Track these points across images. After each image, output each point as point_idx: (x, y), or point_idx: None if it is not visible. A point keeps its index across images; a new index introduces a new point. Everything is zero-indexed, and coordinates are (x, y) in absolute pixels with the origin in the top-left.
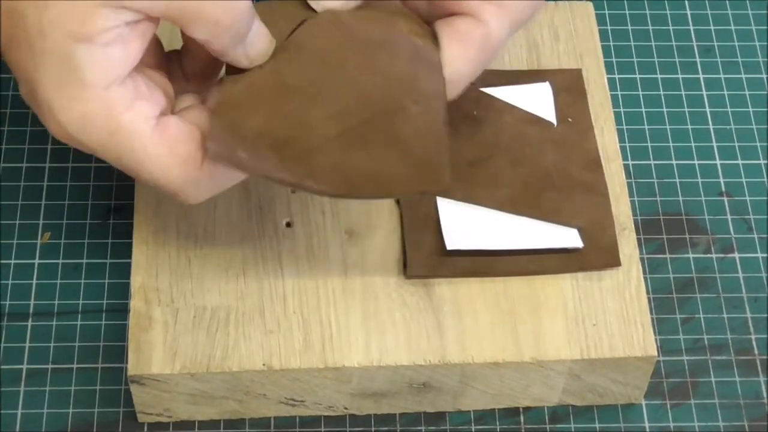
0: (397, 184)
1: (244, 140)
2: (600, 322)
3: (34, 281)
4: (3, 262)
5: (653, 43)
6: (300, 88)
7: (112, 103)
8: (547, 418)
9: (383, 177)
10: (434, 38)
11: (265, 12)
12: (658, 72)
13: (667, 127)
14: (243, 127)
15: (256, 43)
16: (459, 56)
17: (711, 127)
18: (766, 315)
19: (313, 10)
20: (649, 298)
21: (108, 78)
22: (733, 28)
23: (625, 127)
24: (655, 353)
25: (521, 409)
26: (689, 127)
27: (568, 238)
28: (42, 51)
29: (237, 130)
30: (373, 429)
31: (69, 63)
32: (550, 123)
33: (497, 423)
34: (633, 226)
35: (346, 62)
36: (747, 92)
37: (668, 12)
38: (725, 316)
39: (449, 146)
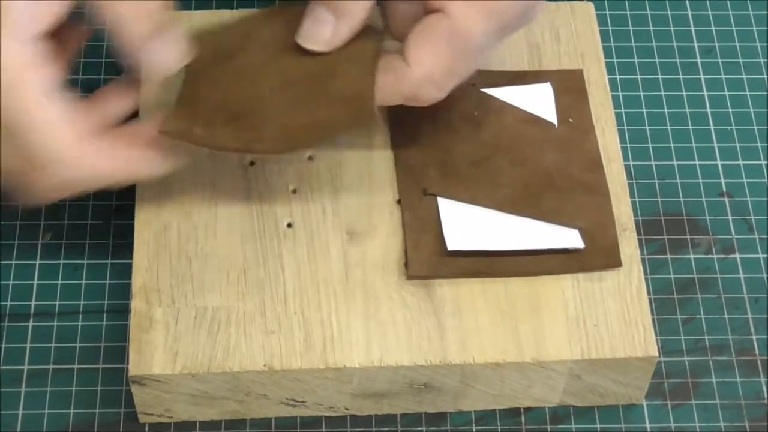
0: (330, 126)
1: (199, 118)
2: (601, 323)
3: (35, 282)
4: (4, 262)
5: (654, 44)
6: (248, 72)
7: (19, 60)
8: (548, 418)
9: (318, 123)
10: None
11: (242, 20)
12: (659, 72)
13: (668, 127)
14: (198, 107)
15: (163, 52)
16: (427, 52)
17: (712, 127)
18: (766, 315)
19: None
20: (650, 299)
21: (29, 30)
22: (734, 28)
23: (626, 127)
24: (656, 354)
25: (522, 410)
26: (690, 127)
27: (569, 238)
28: None
29: (193, 111)
30: (374, 429)
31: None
32: (550, 123)
33: (498, 423)
34: (634, 226)
35: (287, 49)
36: (748, 93)
37: (669, 13)
38: (726, 316)
39: (374, 83)
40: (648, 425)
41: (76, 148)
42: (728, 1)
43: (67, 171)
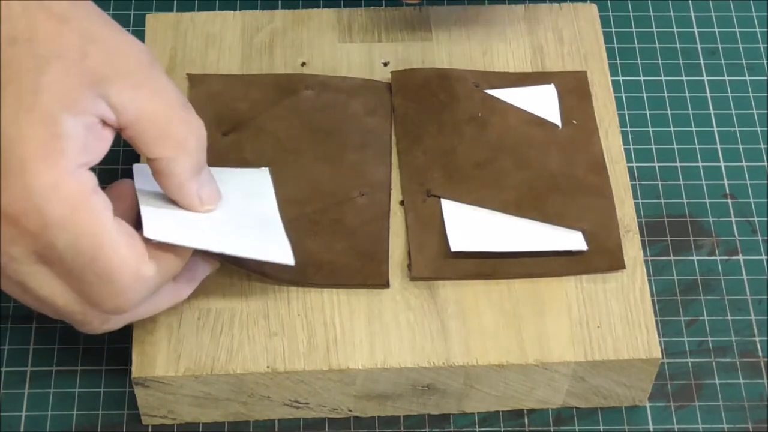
0: (343, 276)
1: None
2: (604, 324)
3: None
4: None
5: (657, 46)
6: (257, 167)
7: (83, 182)
8: (551, 420)
9: (331, 267)
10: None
11: (259, 77)
12: (662, 74)
13: (672, 129)
14: None
15: (209, 183)
16: None
17: (715, 129)
18: None
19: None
20: (653, 300)
21: (83, 159)
22: (737, 30)
23: (629, 129)
24: (660, 355)
25: (525, 411)
26: (693, 129)
27: (573, 240)
28: (31, 108)
29: None
30: (377, 431)
31: (54, 129)
32: (554, 125)
33: (501, 425)
34: (637, 228)
35: (301, 150)
36: (751, 94)
37: (672, 14)
38: (729, 318)
39: (388, 242)
40: (651, 427)
41: (139, 269)
42: (731, 3)
43: (133, 295)
